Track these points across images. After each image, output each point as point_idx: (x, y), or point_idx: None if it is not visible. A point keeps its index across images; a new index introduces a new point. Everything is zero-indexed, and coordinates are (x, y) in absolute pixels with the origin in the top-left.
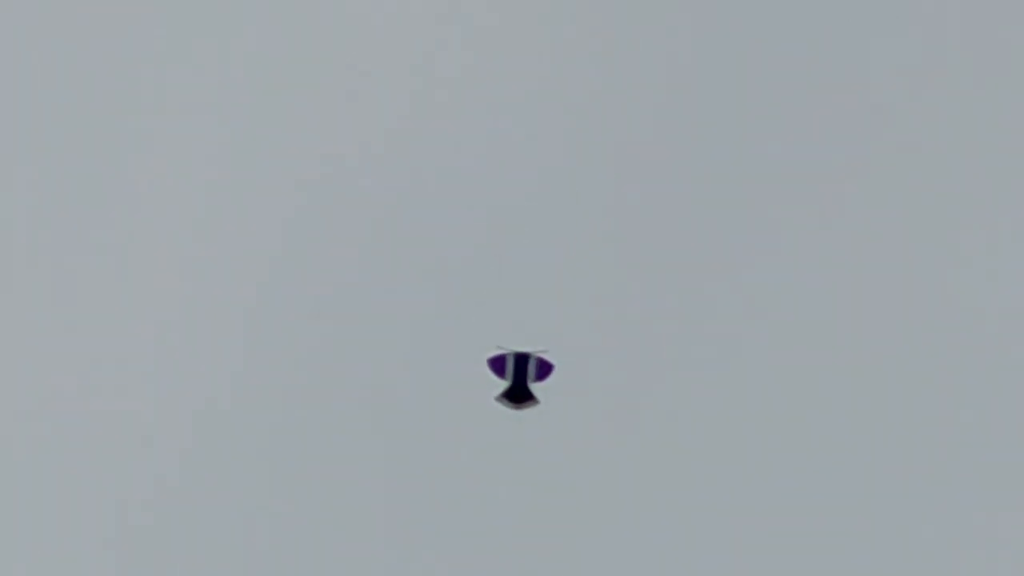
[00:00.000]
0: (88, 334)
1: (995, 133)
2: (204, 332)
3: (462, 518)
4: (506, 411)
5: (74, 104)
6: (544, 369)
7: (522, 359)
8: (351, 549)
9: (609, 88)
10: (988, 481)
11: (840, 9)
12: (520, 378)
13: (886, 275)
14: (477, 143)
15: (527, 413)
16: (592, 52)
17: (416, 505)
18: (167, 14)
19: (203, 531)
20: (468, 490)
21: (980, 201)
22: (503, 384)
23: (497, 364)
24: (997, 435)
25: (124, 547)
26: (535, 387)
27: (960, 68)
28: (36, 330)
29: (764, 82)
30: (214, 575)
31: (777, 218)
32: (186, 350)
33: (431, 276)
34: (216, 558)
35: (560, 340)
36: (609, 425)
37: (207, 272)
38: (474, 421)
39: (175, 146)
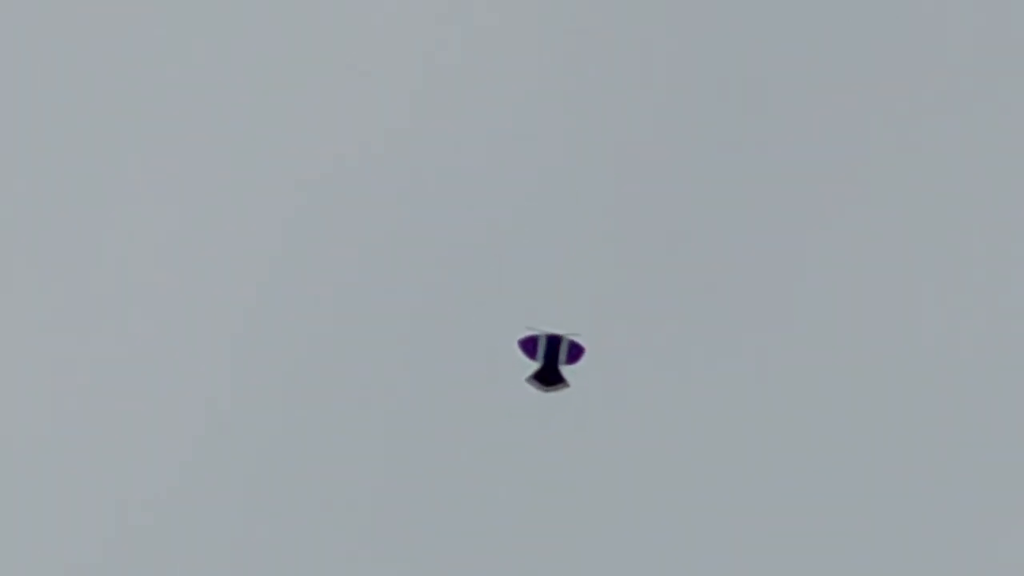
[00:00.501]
0: (88, 334)
1: (995, 133)
2: (204, 332)
3: (462, 518)
4: (511, 406)
5: (74, 104)
6: (575, 352)
7: (554, 341)
8: (351, 549)
9: (609, 88)
10: (988, 482)
11: (840, 9)
12: (551, 360)
13: (886, 275)
14: (477, 143)
15: (534, 413)
16: (592, 52)
17: (416, 505)
18: (167, 14)
19: (203, 531)
20: (468, 490)
21: (980, 201)
22: (533, 365)
23: (528, 345)
24: (997, 435)
25: (124, 547)
26: (565, 370)
27: (960, 68)
28: (36, 330)
29: (764, 82)
30: (214, 575)
31: (778, 218)
32: (186, 350)
33: (431, 276)
34: (216, 558)
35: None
36: (609, 425)
37: (207, 272)
38: (474, 421)
39: (175, 146)
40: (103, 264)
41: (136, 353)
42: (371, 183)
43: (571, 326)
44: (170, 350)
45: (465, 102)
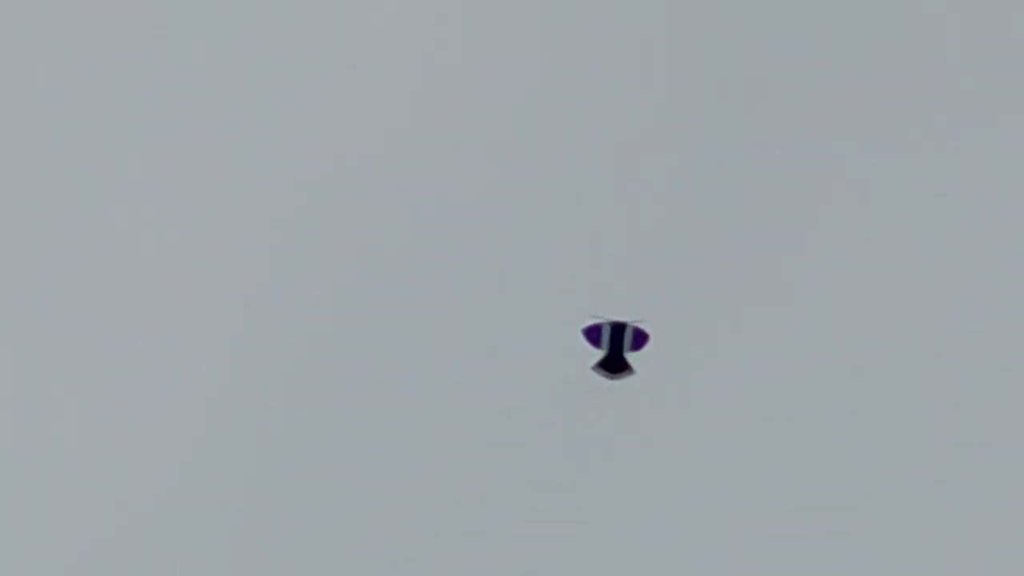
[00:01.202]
0: (88, 334)
1: (995, 133)
2: (204, 331)
3: (463, 518)
4: (511, 406)
5: (74, 104)
6: (640, 339)
7: (618, 328)
8: (351, 549)
9: (609, 88)
10: (988, 481)
11: (840, 9)
12: (616, 348)
13: (886, 275)
14: (477, 143)
15: (532, 413)
16: (592, 52)
17: (416, 505)
18: (167, 14)
19: (203, 531)
20: (469, 490)
21: (980, 201)
22: (599, 354)
23: (592, 333)
24: (997, 435)
25: (124, 547)
26: (630, 357)
27: (960, 68)
28: (36, 330)
29: (764, 82)
30: (214, 575)
31: (777, 217)
32: (186, 350)
33: (431, 276)
34: (216, 558)
35: (560, 340)
36: (607, 425)
37: (207, 271)
38: (475, 421)
39: (175, 146)
40: (103, 264)
41: (136, 353)
42: (371, 183)
43: (570, 327)
44: (170, 350)
45: (465, 102)
